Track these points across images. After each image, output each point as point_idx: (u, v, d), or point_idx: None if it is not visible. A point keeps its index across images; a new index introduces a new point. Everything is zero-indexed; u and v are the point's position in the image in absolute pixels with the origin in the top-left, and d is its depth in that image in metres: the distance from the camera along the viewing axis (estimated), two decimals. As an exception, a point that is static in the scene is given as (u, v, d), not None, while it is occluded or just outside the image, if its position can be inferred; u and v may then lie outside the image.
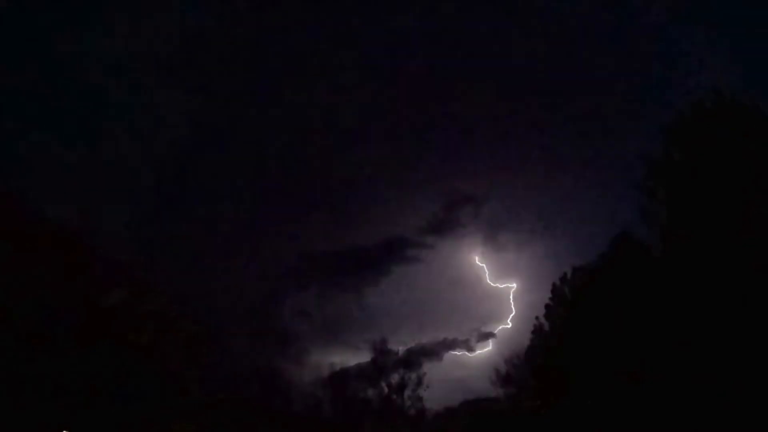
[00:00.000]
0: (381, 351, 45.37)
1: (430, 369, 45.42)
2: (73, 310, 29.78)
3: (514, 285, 56.74)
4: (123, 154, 50.58)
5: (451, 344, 53.13)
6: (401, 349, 45.19)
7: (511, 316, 54.61)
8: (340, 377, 47.14)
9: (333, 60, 56.34)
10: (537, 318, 36.02)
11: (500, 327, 54.41)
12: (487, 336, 54.20)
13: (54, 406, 26.93)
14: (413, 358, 45.01)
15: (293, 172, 57.80)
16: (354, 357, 50.78)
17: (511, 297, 56.21)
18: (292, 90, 56.80)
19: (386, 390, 45.04)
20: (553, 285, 35.14)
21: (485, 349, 53.05)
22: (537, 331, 35.91)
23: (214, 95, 55.81)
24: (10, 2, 43.82)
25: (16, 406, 25.80)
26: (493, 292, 57.73)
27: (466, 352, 53.62)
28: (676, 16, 49.93)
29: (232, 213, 54.89)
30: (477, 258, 59.55)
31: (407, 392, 44.56)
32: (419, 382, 44.58)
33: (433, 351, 48.39)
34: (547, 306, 35.41)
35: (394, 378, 45.04)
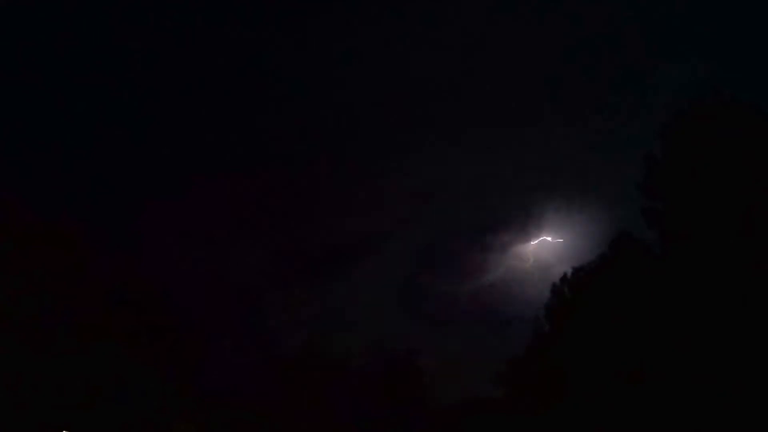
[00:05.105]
0: (378, 350, 45.42)
1: (427, 367, 45.40)
2: (73, 310, 29.86)
3: (510, 284, 56.43)
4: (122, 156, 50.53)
5: (444, 342, 52.85)
6: (396, 348, 45.18)
7: (509, 314, 54.38)
8: (339, 377, 47.20)
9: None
10: (537, 318, 36.12)
11: (496, 324, 54.15)
12: (480, 333, 53.84)
13: (54, 406, 26.99)
14: (412, 356, 45.02)
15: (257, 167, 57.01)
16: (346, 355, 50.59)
17: (507, 296, 55.99)
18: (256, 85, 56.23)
19: (385, 390, 45.10)
20: (553, 285, 35.20)
21: (481, 348, 52.82)
22: (536, 330, 35.98)
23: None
24: (10, 2, 43.83)
25: (16, 406, 25.86)
26: (487, 290, 57.49)
27: (460, 350, 53.34)
28: (676, 14, 49.73)
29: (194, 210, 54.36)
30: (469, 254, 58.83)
31: (406, 392, 44.64)
32: (418, 381, 44.63)
33: (427, 349, 48.23)
34: (546, 306, 35.50)
35: (393, 377, 45.07)
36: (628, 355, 26.42)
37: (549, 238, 53.36)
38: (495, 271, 57.54)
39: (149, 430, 30.08)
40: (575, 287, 33.55)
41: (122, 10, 49.49)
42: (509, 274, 56.54)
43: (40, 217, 30.35)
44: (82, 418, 27.60)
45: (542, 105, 57.48)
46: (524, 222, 59.34)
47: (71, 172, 44.20)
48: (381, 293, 58.64)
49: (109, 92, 51.60)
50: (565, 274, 34.90)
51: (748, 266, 23.63)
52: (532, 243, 54.89)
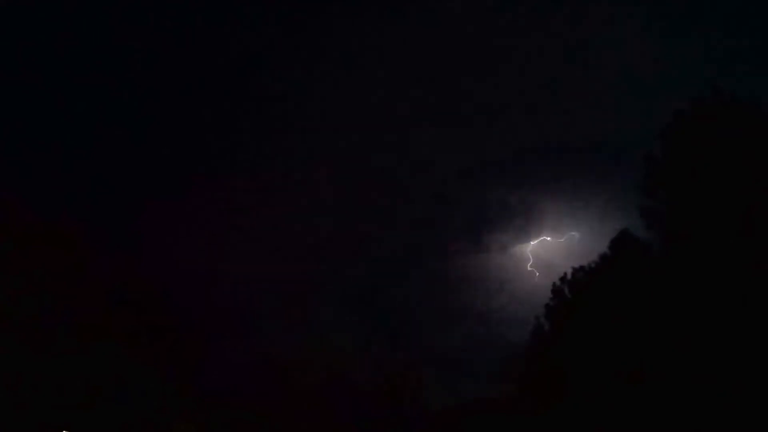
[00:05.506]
0: (378, 352, 45.51)
1: (426, 368, 45.45)
2: (73, 310, 29.87)
3: (510, 284, 56.31)
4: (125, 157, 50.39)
5: (444, 342, 52.85)
6: (396, 349, 45.29)
7: (509, 314, 54.30)
8: (339, 377, 47.21)
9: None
10: (537, 318, 36.13)
11: (496, 324, 54.12)
12: (480, 333, 53.77)
13: (54, 406, 27.01)
14: (411, 358, 45.13)
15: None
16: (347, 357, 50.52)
17: (507, 296, 55.90)
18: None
19: (385, 390, 45.12)
20: (553, 285, 35.22)
21: (481, 348, 52.78)
22: (536, 330, 35.99)
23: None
24: (10, 2, 43.84)
25: (16, 406, 25.88)
26: (487, 290, 57.37)
27: (460, 350, 53.36)
28: (677, 14, 49.75)
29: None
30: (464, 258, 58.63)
31: (406, 392, 44.67)
32: (418, 382, 44.68)
33: (426, 350, 48.30)
34: (546, 306, 35.52)
35: (392, 378, 45.12)
36: (628, 355, 26.40)
37: (549, 238, 53.48)
38: (495, 271, 57.76)
39: (149, 430, 30.10)
40: (575, 287, 33.55)
41: (122, 10, 49.57)
42: (509, 274, 56.76)
43: (40, 217, 30.38)
44: (82, 418, 27.63)
45: (542, 105, 57.62)
46: (524, 222, 59.52)
47: (71, 172, 44.23)
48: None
49: (109, 92, 51.63)
50: (565, 274, 34.90)
51: (748, 266, 23.61)
52: (532, 243, 55.00)
